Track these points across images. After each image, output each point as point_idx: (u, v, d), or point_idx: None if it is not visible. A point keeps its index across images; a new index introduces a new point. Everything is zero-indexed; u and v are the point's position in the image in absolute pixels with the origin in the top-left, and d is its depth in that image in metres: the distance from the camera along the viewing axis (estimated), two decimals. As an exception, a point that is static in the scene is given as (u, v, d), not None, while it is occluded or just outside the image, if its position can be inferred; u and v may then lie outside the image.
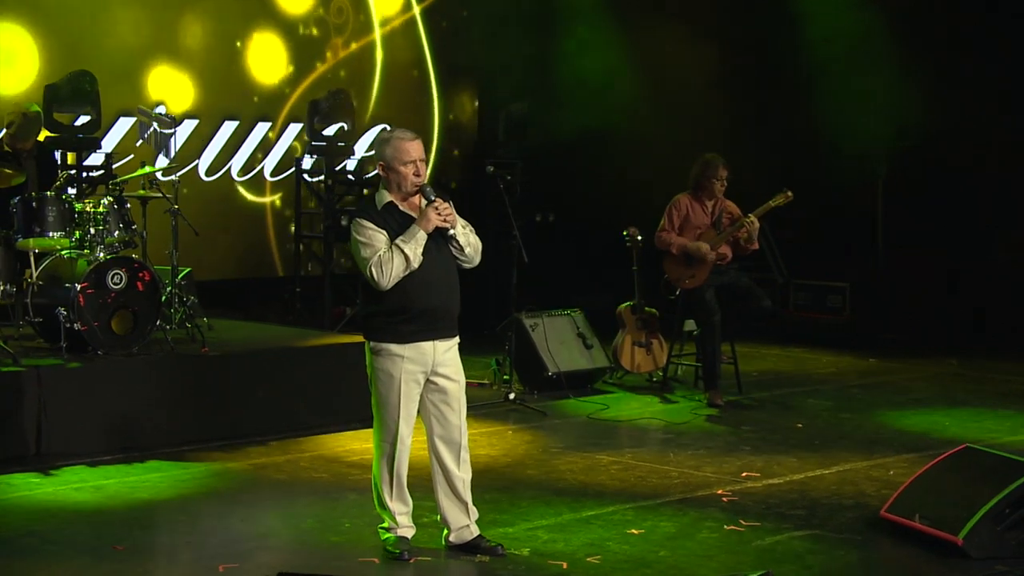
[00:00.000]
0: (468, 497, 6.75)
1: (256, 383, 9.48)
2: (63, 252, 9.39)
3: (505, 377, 11.37)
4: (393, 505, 6.69)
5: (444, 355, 6.61)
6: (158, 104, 12.60)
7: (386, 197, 6.58)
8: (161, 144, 10.82)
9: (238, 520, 7.35)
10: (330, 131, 13.33)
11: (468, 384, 10.97)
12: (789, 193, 11.04)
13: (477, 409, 10.45)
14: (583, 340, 11.61)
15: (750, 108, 14.70)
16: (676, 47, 14.74)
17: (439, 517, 6.79)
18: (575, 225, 14.77)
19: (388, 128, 6.76)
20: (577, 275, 14.44)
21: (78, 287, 9.06)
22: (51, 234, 9.29)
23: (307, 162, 13.62)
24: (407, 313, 6.50)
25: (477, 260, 6.74)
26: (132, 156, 12.00)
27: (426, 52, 15.32)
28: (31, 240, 9.30)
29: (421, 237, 6.45)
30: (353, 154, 13.55)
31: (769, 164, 13.51)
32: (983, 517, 6.77)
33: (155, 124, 10.64)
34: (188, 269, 10.76)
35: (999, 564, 6.65)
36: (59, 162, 10.66)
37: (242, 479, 8.29)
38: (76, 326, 9.06)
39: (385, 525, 6.73)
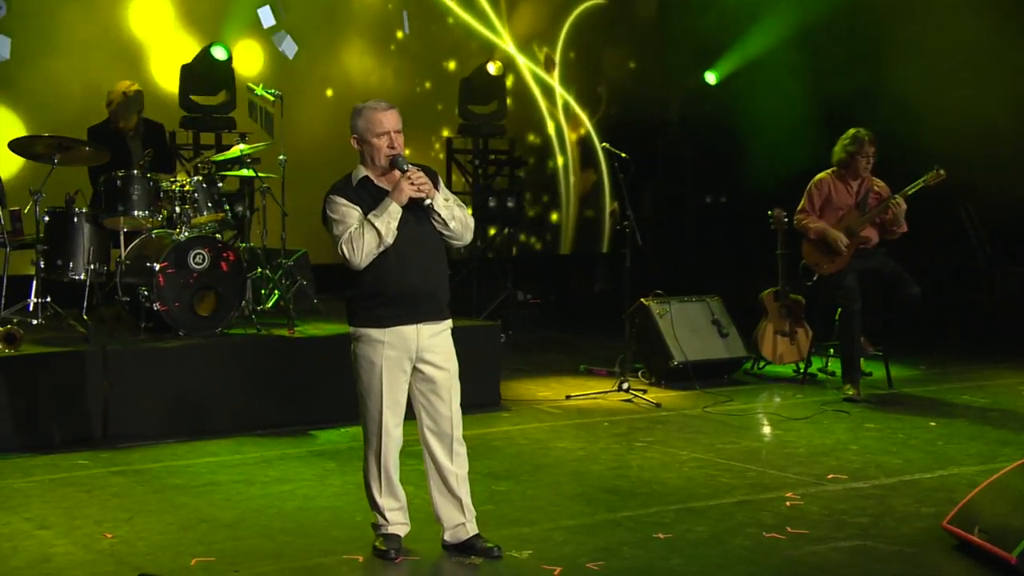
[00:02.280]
0: (463, 494, 6.26)
1: (340, 367, 9.14)
2: (153, 231, 9.28)
3: (637, 366, 10.84)
4: (383, 501, 6.24)
5: (430, 340, 6.12)
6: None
7: (361, 172, 6.14)
8: (265, 122, 10.66)
9: (250, 509, 7.02)
10: (481, 109, 12.98)
11: (597, 372, 10.89)
12: (941, 171, 10.15)
13: (587, 400, 9.97)
14: (718, 328, 10.93)
15: (934, 81, 13.60)
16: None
17: (433, 515, 6.31)
18: (746, 206, 14.03)
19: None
20: (749, 259, 13.71)
21: (157, 267, 8.92)
22: (135, 213, 9.16)
23: (458, 141, 13.28)
24: (384, 296, 6.04)
25: (468, 237, 6.24)
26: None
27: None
28: (121, 219, 9.20)
29: (395, 211, 5.98)
30: (505, 132, 13.15)
31: (951, 140, 12.50)
32: (1042, 533, 5.92)
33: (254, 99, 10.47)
34: (303, 251, 10.54)
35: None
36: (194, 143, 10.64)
37: (287, 466, 7.97)
38: (156, 306, 8.93)
39: (376, 522, 6.30)
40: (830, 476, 7.77)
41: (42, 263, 9.06)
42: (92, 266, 9.14)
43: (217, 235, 9.35)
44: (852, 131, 10.38)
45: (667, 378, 10.57)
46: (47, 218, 9.13)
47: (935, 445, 8.67)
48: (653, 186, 15.31)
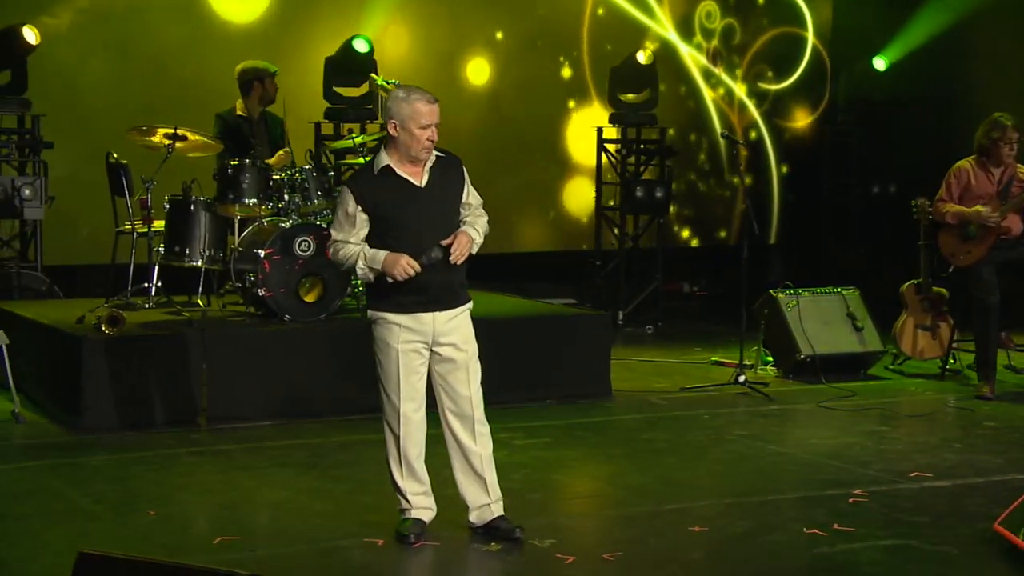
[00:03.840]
0: (488, 474, 6.19)
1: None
2: (265, 219, 9.44)
3: (767, 359, 10.56)
4: (405, 485, 6.23)
5: (447, 324, 6.09)
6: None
7: (384, 160, 6.12)
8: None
9: (302, 490, 7.07)
10: (632, 97, 12.83)
11: (728, 365, 10.62)
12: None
13: (701, 392, 9.74)
14: (852, 321, 10.54)
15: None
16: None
17: (459, 496, 6.26)
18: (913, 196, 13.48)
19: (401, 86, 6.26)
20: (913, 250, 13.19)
21: (263, 253, 9.07)
22: (246, 201, 9.34)
23: (609, 131, 13.14)
24: (402, 286, 6.04)
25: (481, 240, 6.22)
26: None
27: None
28: (234, 207, 9.39)
29: (377, 271, 6.03)
30: (656, 121, 12.95)
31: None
32: (1081, 538, 5.54)
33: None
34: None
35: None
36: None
37: (362, 450, 7.95)
38: (261, 292, 9.08)
39: (400, 505, 6.29)
40: (913, 474, 7.42)
41: (161, 249, 9.36)
42: (208, 253, 9.36)
43: (325, 223, 9.44)
44: (994, 116, 9.92)
45: (795, 372, 10.26)
46: (167, 205, 9.42)
47: (1047, 446, 8.22)
48: (821, 175, 14.90)
